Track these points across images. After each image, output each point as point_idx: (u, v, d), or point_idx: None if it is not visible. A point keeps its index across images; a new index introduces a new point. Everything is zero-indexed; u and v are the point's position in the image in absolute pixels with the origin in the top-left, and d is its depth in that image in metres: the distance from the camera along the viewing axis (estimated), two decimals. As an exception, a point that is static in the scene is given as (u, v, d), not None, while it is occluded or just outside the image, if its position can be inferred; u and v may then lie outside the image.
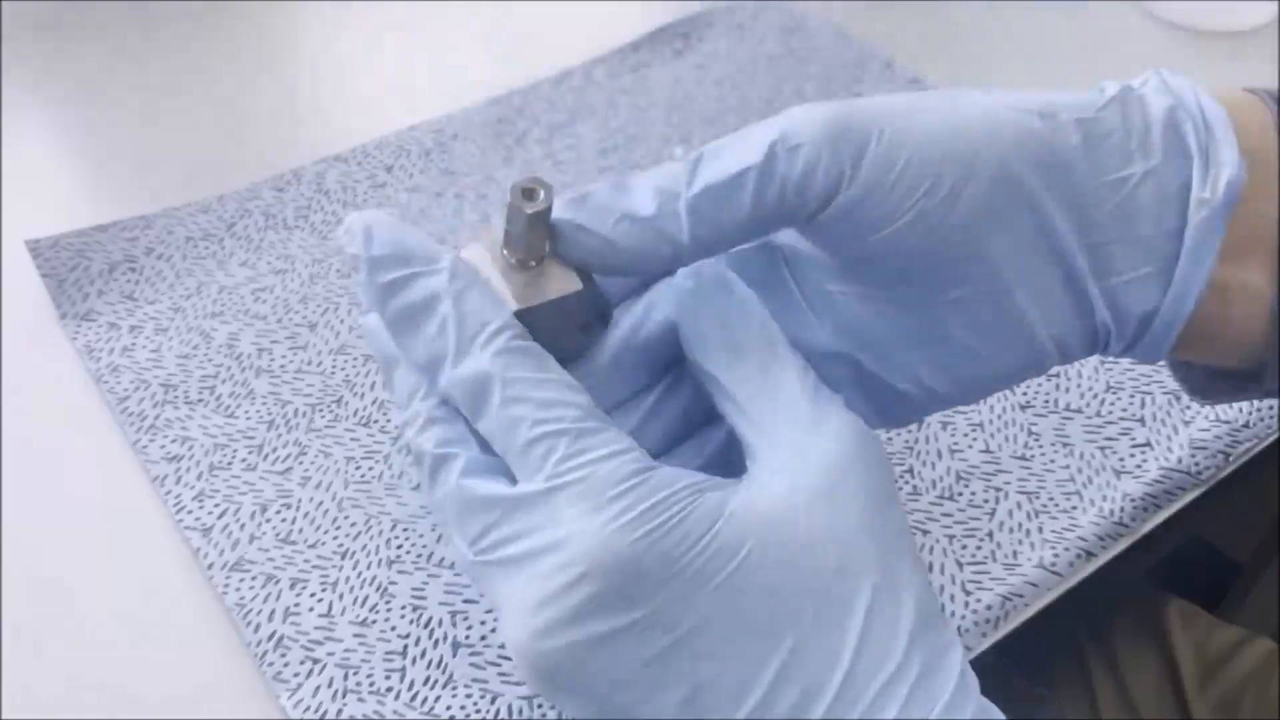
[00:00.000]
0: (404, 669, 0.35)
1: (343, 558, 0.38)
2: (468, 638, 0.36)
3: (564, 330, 0.29)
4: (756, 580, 0.25)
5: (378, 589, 0.37)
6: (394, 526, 0.39)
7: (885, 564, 0.26)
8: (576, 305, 0.28)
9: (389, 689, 0.34)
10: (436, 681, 0.35)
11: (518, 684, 0.35)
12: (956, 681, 0.25)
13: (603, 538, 0.24)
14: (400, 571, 0.37)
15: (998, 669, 0.36)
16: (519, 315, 0.28)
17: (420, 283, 0.27)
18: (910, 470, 0.41)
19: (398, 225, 0.27)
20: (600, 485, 0.25)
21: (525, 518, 0.25)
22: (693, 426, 0.31)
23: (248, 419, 0.42)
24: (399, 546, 0.38)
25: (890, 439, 0.41)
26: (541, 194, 0.27)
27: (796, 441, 0.26)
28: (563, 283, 0.28)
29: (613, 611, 0.24)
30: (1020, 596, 0.37)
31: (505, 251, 0.28)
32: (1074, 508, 0.39)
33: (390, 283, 0.27)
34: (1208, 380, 0.32)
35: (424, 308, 0.27)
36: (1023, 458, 0.41)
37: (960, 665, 0.26)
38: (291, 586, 0.37)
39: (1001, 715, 0.26)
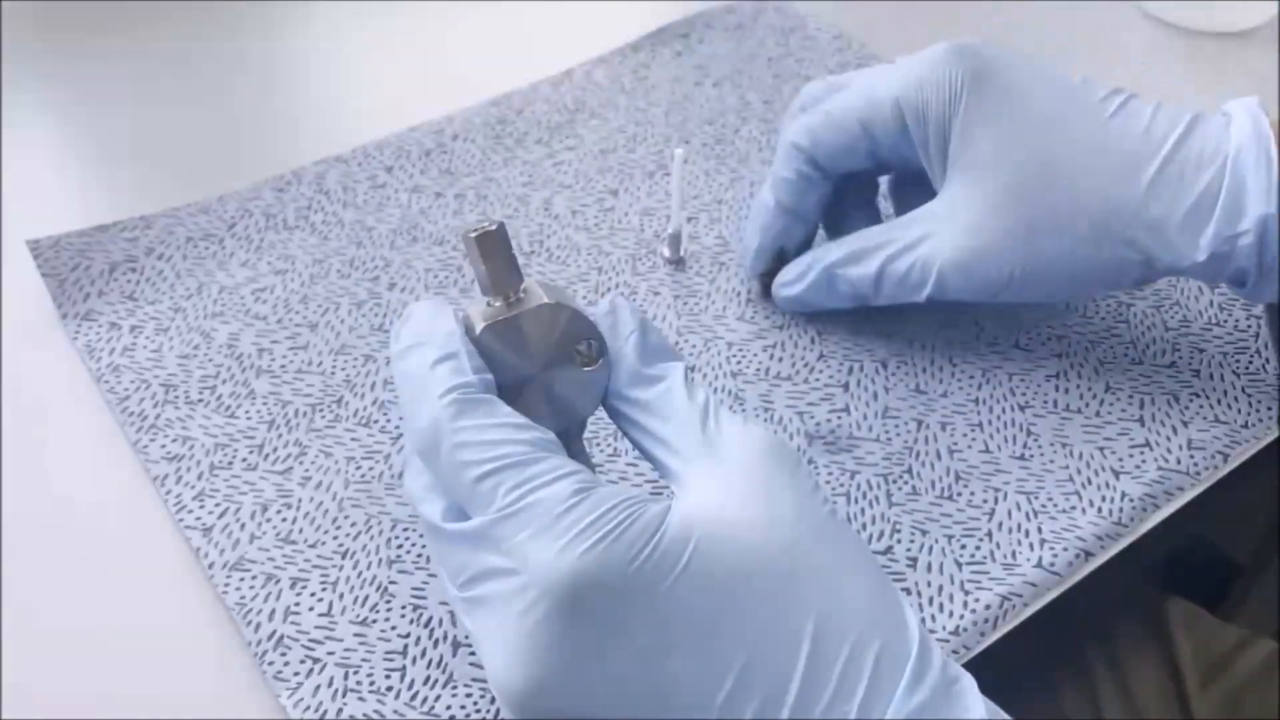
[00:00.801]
0: (404, 669, 0.35)
1: (343, 557, 0.38)
2: (468, 637, 0.36)
3: (552, 351, 0.31)
4: (706, 579, 0.26)
5: (378, 589, 0.37)
6: (394, 526, 0.39)
7: (826, 545, 0.27)
8: (550, 319, 0.30)
9: (389, 688, 0.34)
10: (436, 681, 0.35)
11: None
12: (919, 642, 0.26)
13: (551, 555, 0.25)
14: (400, 571, 0.37)
15: (998, 669, 0.36)
16: (490, 332, 0.30)
17: (415, 353, 0.29)
18: (910, 470, 0.41)
19: (433, 309, 0.30)
20: (546, 507, 0.26)
21: (487, 552, 0.27)
22: None
23: (248, 419, 0.42)
24: (399, 546, 0.38)
25: (890, 439, 0.41)
26: (486, 224, 0.29)
27: (712, 454, 0.28)
28: (533, 302, 0.30)
29: (573, 629, 0.25)
30: (1019, 596, 0.37)
31: (486, 299, 0.31)
32: (1073, 508, 0.39)
33: (399, 353, 0.30)
34: None
35: (406, 375, 0.30)
36: (1021, 458, 0.41)
37: (920, 629, 0.27)
38: (292, 586, 0.37)
39: (965, 673, 0.27)
